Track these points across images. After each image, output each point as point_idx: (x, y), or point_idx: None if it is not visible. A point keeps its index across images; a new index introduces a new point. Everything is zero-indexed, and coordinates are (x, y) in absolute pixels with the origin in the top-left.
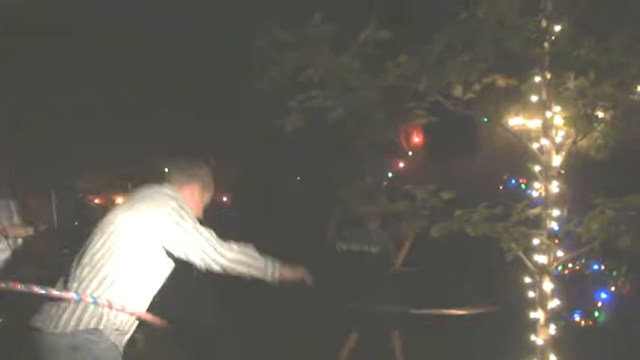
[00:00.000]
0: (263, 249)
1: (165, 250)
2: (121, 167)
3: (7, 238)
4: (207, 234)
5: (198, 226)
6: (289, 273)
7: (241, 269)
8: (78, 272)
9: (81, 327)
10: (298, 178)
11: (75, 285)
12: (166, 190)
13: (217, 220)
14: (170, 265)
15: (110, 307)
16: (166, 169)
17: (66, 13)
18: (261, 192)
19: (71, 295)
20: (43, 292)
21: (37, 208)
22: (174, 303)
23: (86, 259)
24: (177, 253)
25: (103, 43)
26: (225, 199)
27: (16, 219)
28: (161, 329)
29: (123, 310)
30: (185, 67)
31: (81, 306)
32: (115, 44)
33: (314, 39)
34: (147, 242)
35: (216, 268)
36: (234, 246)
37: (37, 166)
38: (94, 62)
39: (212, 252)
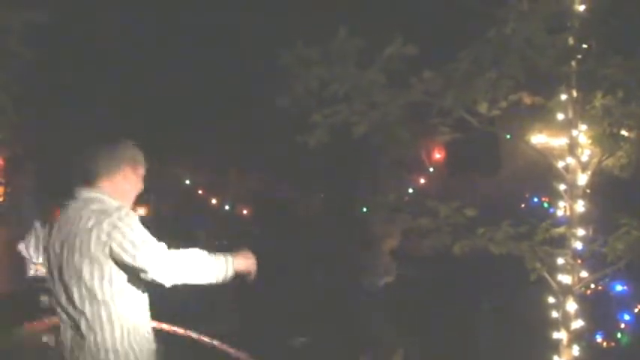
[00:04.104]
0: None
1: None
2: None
3: None
4: (156, 247)
5: (146, 238)
6: (240, 264)
7: (195, 281)
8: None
9: None
10: (322, 195)
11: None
12: (94, 204)
13: (237, 233)
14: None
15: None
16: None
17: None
18: (282, 207)
19: None
20: None
21: None
22: (194, 313)
23: (83, 313)
24: (132, 269)
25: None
26: (245, 212)
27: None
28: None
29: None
30: (208, 83)
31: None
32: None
33: (340, 54)
34: (110, 266)
35: (167, 284)
36: (185, 256)
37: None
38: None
39: (162, 267)
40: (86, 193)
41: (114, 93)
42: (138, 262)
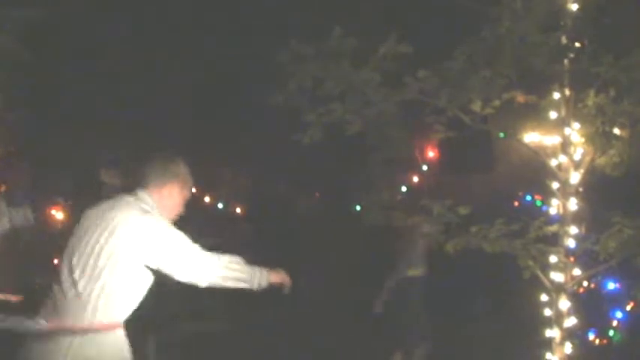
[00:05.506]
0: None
1: (148, 266)
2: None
3: None
4: (192, 249)
5: (182, 240)
6: (276, 277)
7: (229, 284)
8: (70, 300)
9: None
10: (317, 194)
11: (71, 315)
12: (140, 203)
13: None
14: (151, 278)
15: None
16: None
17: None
18: (278, 205)
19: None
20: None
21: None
22: (186, 311)
23: (78, 286)
24: (162, 270)
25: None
26: (238, 210)
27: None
28: None
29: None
30: (202, 79)
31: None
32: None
33: (335, 52)
34: (130, 261)
35: (202, 284)
36: (222, 259)
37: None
38: (115, 74)
39: (198, 268)
40: (137, 192)
41: (112, 92)
42: (172, 262)
